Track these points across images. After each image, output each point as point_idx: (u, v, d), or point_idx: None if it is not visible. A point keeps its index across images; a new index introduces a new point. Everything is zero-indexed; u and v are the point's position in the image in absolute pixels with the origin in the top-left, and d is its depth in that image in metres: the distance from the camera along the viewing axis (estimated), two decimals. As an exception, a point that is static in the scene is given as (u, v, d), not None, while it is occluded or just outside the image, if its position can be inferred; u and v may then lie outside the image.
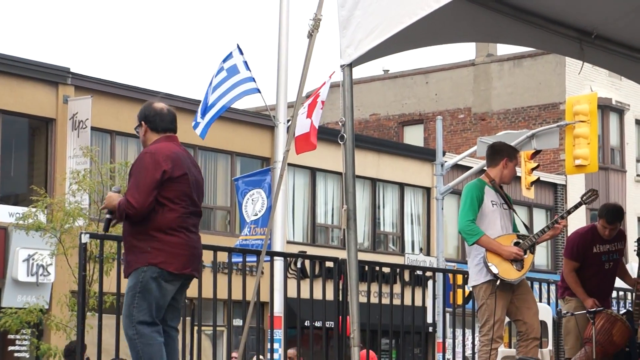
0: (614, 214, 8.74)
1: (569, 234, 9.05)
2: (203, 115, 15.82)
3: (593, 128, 19.21)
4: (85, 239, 7.59)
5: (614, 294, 10.71)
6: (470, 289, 11.23)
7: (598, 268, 8.75)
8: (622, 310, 9.68)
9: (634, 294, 8.92)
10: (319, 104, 15.28)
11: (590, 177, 31.30)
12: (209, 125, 15.66)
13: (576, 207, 7.92)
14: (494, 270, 7.29)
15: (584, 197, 7.94)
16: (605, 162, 33.20)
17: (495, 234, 7.44)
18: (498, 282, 7.32)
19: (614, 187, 33.72)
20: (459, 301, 15.05)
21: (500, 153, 7.72)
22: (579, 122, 18.94)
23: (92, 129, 21.73)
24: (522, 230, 7.78)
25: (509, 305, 7.45)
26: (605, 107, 33.19)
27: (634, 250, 9.05)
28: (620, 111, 34.55)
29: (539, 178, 22.03)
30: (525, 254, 7.38)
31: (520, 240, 7.44)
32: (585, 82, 31.33)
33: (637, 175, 35.07)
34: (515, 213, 7.75)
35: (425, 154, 29.46)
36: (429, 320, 19.50)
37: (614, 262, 8.84)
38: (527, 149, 20.11)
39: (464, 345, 11.22)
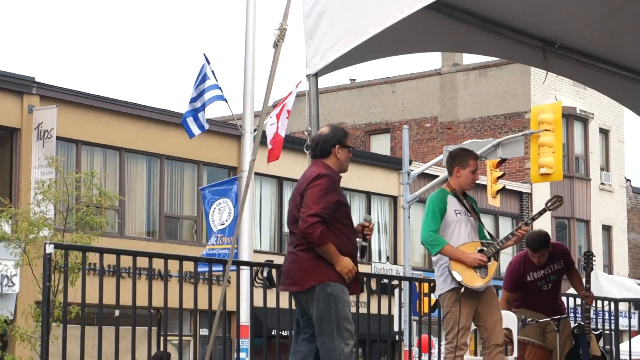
0: (537, 243, 8.65)
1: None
2: (187, 118, 16.13)
3: (558, 137, 19.36)
4: (49, 249, 7.53)
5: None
6: (437, 297, 11.26)
7: (536, 291, 8.77)
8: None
9: (583, 307, 8.94)
10: (285, 112, 15.37)
11: (555, 186, 31.51)
12: (199, 128, 15.91)
13: (540, 213, 7.89)
14: (458, 277, 7.28)
15: (549, 204, 7.90)
16: (570, 170, 33.45)
17: (459, 242, 7.44)
18: (462, 289, 7.31)
19: (579, 196, 33.98)
20: (425, 309, 15.10)
21: (452, 162, 7.68)
22: (544, 130, 19.07)
23: (58, 138, 21.58)
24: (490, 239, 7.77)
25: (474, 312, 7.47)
26: (570, 116, 33.46)
27: (582, 265, 9.02)
28: (584, 120, 34.84)
29: (504, 186, 22.15)
30: (489, 260, 7.36)
31: (484, 248, 7.42)
32: (550, 92, 31.58)
33: (602, 183, 35.36)
34: (481, 222, 7.72)
35: (391, 163, 29.54)
36: (396, 328, 19.55)
37: (552, 283, 8.84)
38: (493, 158, 20.21)
39: (429, 353, 11.25)
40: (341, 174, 6.83)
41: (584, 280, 8.92)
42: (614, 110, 35.01)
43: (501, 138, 21.11)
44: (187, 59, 72.08)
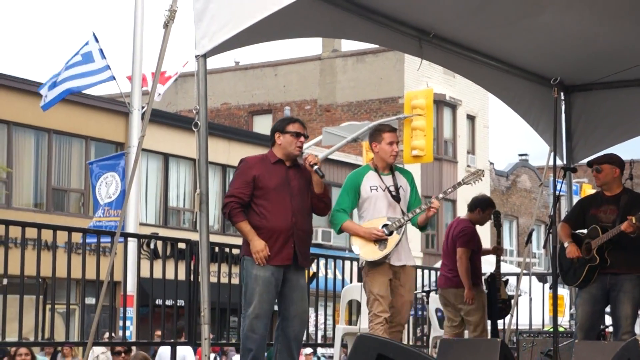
0: (489, 202, 9.71)
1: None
2: (50, 89, 15.65)
3: (429, 121, 19.69)
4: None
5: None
6: (314, 269, 11.35)
7: (477, 252, 9.59)
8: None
9: (496, 259, 9.76)
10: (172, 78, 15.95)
11: (426, 167, 32.04)
12: (54, 102, 15.49)
13: (454, 187, 7.78)
14: (356, 251, 7.22)
15: (464, 179, 7.74)
16: (439, 153, 34.05)
17: (374, 217, 7.32)
18: (363, 262, 7.24)
19: (447, 177, 34.66)
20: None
21: (369, 140, 7.60)
22: (416, 115, 19.38)
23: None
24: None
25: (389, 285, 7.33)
26: (440, 102, 34.03)
27: (491, 222, 9.75)
28: (453, 106, 35.50)
29: (378, 167, 22.33)
30: (390, 234, 7.23)
31: (389, 222, 7.28)
32: (422, 79, 32.04)
33: (468, 165, 36.12)
34: (398, 201, 7.42)
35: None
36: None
37: None
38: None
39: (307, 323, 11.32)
40: (295, 159, 6.96)
41: (495, 237, 9.88)
42: (481, 98, 35.77)
43: (376, 121, 21.32)
44: (75, 36, 70.52)
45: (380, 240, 7.20)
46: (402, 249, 7.37)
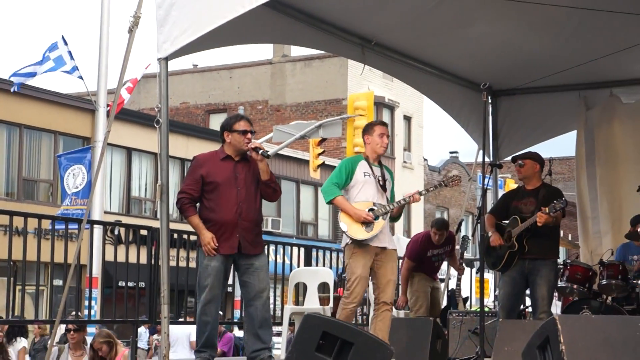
0: (441, 223, 9.86)
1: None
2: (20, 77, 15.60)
3: (369, 121, 19.71)
4: None
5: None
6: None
7: (430, 265, 9.84)
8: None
9: (457, 276, 10.18)
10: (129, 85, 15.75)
11: (366, 162, 32.08)
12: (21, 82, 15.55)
13: (436, 187, 7.70)
14: (344, 228, 7.03)
15: (445, 180, 7.62)
16: (379, 150, 34.17)
17: (363, 197, 7.15)
18: (349, 240, 7.05)
19: (385, 171, 34.81)
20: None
21: (362, 134, 7.41)
22: (358, 115, 19.45)
23: None
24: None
25: (371, 268, 7.13)
26: (380, 104, 34.15)
27: (460, 244, 10.02)
28: (391, 107, 35.67)
29: (324, 162, 22.41)
30: (376, 219, 7.08)
31: (375, 208, 7.13)
32: (363, 82, 32.13)
33: (404, 162, 36.36)
34: (384, 190, 7.29)
35: (228, 139, 29.39)
36: (230, 281, 19.56)
37: (440, 262, 9.98)
38: (315, 137, 20.43)
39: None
40: (245, 153, 6.80)
41: (458, 257, 10.07)
42: (416, 100, 35.97)
43: (322, 120, 21.34)
44: (44, 36, 69.49)
45: (367, 223, 7.04)
46: (386, 233, 7.21)
